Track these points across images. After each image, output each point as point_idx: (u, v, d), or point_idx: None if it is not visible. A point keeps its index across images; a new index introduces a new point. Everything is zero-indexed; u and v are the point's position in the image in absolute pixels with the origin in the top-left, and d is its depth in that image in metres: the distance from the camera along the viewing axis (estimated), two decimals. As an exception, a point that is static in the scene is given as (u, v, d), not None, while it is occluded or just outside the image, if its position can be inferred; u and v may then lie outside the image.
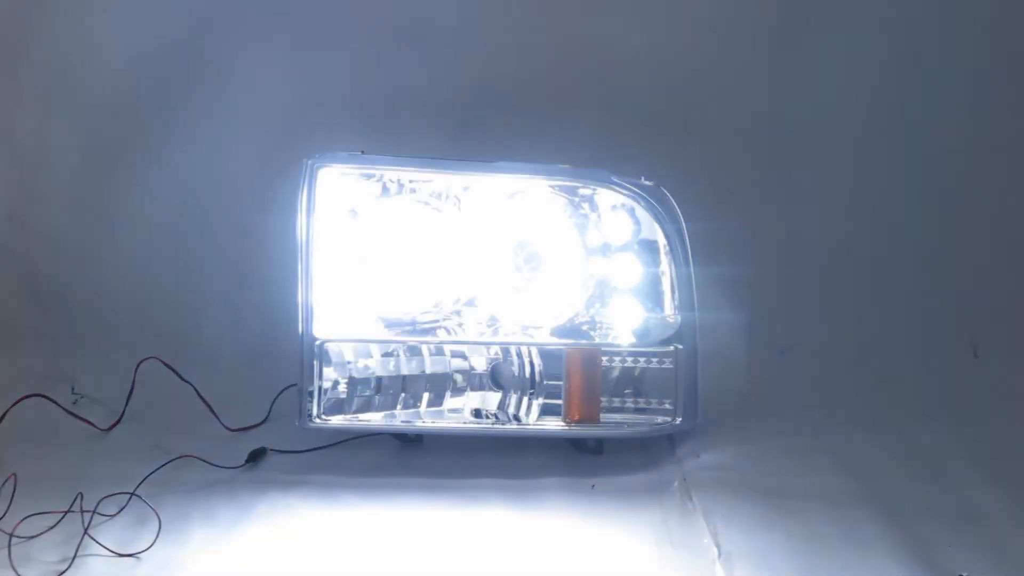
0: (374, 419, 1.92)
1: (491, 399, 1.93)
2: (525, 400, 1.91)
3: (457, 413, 1.94)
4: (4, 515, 1.61)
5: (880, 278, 2.36)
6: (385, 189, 1.91)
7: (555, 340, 1.85)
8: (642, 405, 1.90)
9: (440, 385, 1.95)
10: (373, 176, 1.90)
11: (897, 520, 1.60)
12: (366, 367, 1.94)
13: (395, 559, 1.54)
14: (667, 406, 1.87)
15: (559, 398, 1.87)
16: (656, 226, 1.81)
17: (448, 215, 1.90)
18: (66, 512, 1.61)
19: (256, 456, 1.92)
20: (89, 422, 2.08)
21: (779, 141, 2.39)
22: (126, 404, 2.13)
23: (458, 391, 1.95)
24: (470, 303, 1.91)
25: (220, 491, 1.77)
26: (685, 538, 1.58)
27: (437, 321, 1.92)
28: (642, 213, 1.81)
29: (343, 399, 1.92)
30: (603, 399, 1.87)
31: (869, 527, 1.59)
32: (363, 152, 1.89)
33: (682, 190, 1.87)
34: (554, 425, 1.86)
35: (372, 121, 2.39)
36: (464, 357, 1.95)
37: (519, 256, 1.86)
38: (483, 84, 2.39)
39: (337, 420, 1.90)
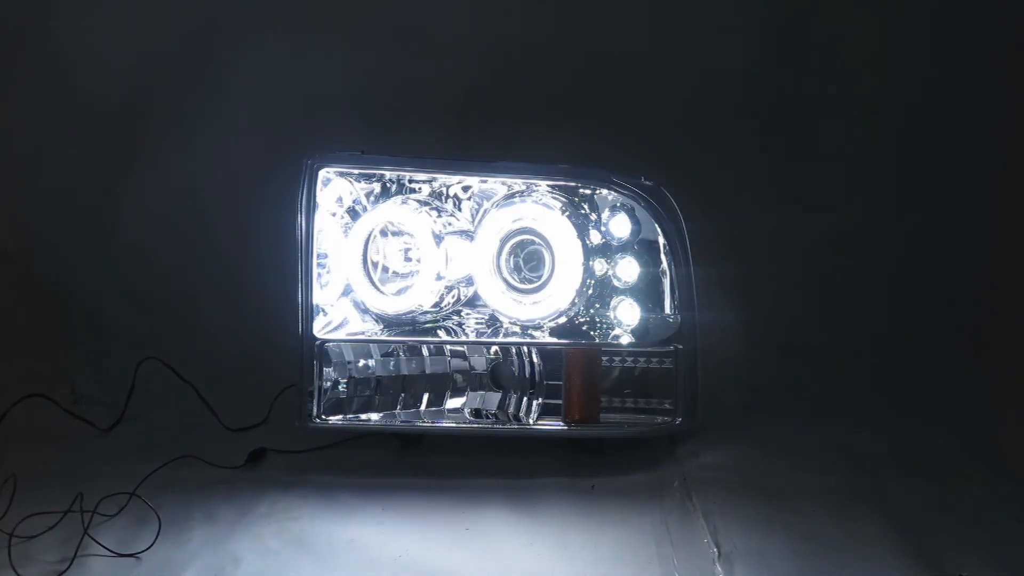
0: (374, 419, 1.93)
1: (491, 399, 1.93)
2: (525, 400, 1.91)
3: (457, 413, 1.94)
4: (4, 515, 1.61)
5: (880, 278, 2.36)
6: (385, 189, 1.91)
7: (555, 340, 1.85)
8: (642, 405, 1.90)
9: (440, 385, 1.95)
10: (373, 176, 1.91)
11: (897, 520, 1.60)
12: (366, 367, 1.95)
13: (395, 559, 1.54)
14: (667, 406, 1.87)
15: (559, 398, 1.87)
16: (656, 226, 1.81)
17: (448, 215, 1.90)
18: (66, 512, 1.61)
19: (256, 456, 1.92)
20: (89, 422, 2.08)
21: (779, 141, 2.39)
22: (126, 404, 2.14)
23: (458, 391, 1.95)
24: (470, 303, 1.91)
25: (220, 491, 1.77)
26: (685, 538, 1.58)
27: (437, 321, 1.92)
28: (642, 213, 1.81)
29: (343, 399, 1.92)
30: (603, 399, 1.87)
31: (869, 527, 1.59)
32: (363, 152, 1.89)
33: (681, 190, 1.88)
34: (554, 425, 1.86)
35: (371, 121, 2.39)
36: (464, 357, 1.95)
37: (519, 256, 1.86)
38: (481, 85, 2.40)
39: (337, 420, 1.90)
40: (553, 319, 1.83)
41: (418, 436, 1.97)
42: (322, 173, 1.86)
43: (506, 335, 1.87)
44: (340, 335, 1.90)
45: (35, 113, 2.49)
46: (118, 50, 2.46)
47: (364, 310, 1.91)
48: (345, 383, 1.93)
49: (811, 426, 2.02)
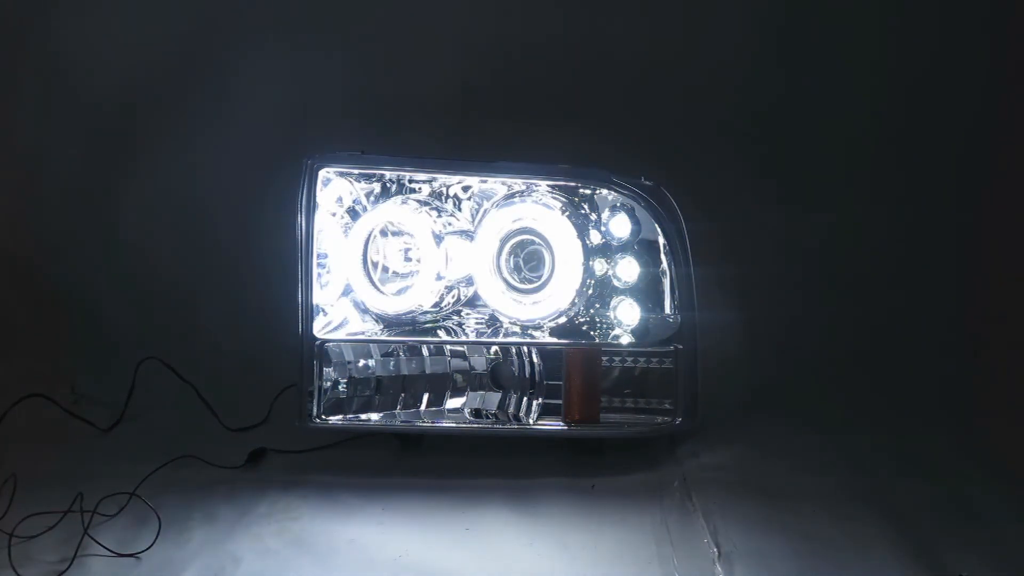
0: (374, 419, 1.93)
1: (491, 399, 1.93)
2: (525, 400, 1.91)
3: (457, 413, 1.94)
4: (4, 515, 1.61)
5: (880, 278, 2.36)
6: (385, 189, 1.91)
7: (555, 340, 1.85)
8: (642, 405, 1.90)
9: (440, 385, 1.95)
10: (373, 176, 1.91)
11: (897, 520, 1.60)
12: (366, 367, 1.95)
13: (395, 559, 1.54)
14: (667, 406, 1.87)
15: (559, 398, 1.87)
16: (656, 226, 1.81)
17: (448, 215, 1.90)
18: (66, 512, 1.61)
19: (256, 456, 1.92)
20: (89, 422, 2.08)
21: (779, 142, 2.38)
22: (126, 404, 2.14)
23: (458, 391, 1.95)
24: (470, 303, 1.91)
25: (220, 491, 1.77)
26: (685, 538, 1.58)
27: (437, 321, 1.92)
28: (642, 213, 1.81)
29: (343, 399, 1.92)
30: (603, 399, 1.87)
31: (869, 527, 1.59)
32: (363, 152, 1.89)
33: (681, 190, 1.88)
34: (554, 425, 1.86)
35: (371, 121, 2.40)
36: (464, 357, 1.95)
37: (519, 256, 1.86)
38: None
39: (337, 420, 1.90)
40: (553, 319, 1.83)
41: (418, 436, 1.96)
42: (322, 173, 1.86)
43: (506, 335, 1.87)
44: (340, 335, 1.90)
45: (35, 113, 2.49)
46: (118, 50, 2.46)
47: (364, 310, 1.91)
48: (345, 383, 1.93)
49: (811, 426, 2.02)
